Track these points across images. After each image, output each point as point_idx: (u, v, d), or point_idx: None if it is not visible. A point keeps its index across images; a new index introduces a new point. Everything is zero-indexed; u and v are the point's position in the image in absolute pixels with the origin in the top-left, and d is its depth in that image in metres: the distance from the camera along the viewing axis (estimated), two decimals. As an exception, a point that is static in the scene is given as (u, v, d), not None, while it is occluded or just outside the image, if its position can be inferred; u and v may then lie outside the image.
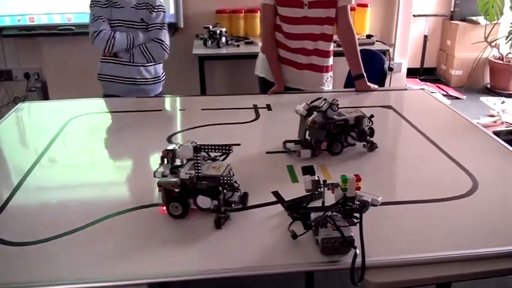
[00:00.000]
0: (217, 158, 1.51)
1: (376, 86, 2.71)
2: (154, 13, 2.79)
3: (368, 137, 1.88)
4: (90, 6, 2.77)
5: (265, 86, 2.78)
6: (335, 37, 2.71)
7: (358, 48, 2.69)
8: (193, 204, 1.40)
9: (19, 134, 2.27)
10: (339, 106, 1.81)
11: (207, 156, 1.50)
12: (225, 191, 1.42)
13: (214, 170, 1.42)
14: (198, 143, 1.44)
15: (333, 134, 1.83)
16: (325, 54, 2.71)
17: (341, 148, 1.85)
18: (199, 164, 1.38)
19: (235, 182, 1.46)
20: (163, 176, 1.41)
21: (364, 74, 2.67)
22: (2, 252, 1.28)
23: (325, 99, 1.83)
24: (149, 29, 2.79)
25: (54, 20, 4.55)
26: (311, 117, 1.80)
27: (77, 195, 1.58)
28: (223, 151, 1.49)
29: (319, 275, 2.35)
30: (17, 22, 4.51)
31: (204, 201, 1.40)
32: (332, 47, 2.74)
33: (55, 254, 1.27)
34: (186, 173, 1.39)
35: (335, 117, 1.82)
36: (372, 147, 1.88)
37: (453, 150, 1.87)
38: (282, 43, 2.71)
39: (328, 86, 2.79)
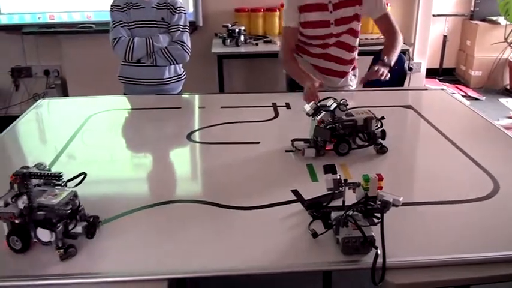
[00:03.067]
0: (64, 183, 1.29)
1: (387, 76, 2.43)
2: (177, 15, 2.78)
3: (379, 139, 1.85)
4: (110, 11, 2.78)
5: (292, 84, 2.71)
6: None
7: (400, 46, 2.62)
8: (34, 237, 1.24)
9: (38, 130, 2.30)
10: (357, 106, 1.79)
11: (54, 178, 1.26)
12: (68, 221, 1.23)
13: (54, 197, 1.23)
14: (34, 168, 1.27)
15: (341, 135, 1.80)
16: (350, 48, 2.65)
17: (348, 149, 1.82)
18: (30, 193, 1.21)
19: (80, 210, 1.27)
20: (6, 204, 1.22)
21: (391, 64, 2.48)
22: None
23: (334, 99, 1.81)
24: (171, 31, 2.79)
25: (74, 18, 4.60)
26: (319, 116, 1.79)
27: (96, 191, 1.58)
28: (75, 177, 1.30)
29: (336, 276, 2.33)
30: (37, 20, 4.56)
31: (43, 233, 1.22)
32: (357, 42, 2.69)
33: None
34: (23, 202, 1.22)
35: (343, 117, 1.80)
36: (381, 150, 1.85)
37: (474, 152, 1.85)
38: (305, 49, 2.66)
39: (353, 84, 2.76)
